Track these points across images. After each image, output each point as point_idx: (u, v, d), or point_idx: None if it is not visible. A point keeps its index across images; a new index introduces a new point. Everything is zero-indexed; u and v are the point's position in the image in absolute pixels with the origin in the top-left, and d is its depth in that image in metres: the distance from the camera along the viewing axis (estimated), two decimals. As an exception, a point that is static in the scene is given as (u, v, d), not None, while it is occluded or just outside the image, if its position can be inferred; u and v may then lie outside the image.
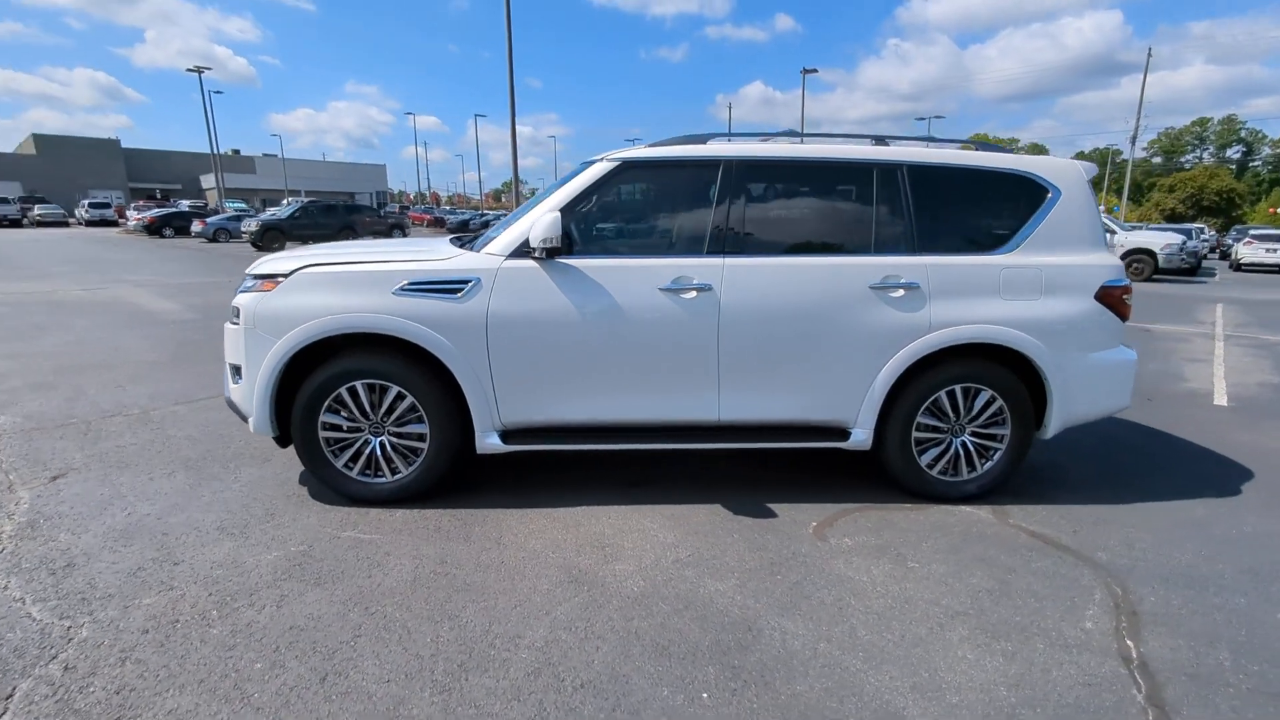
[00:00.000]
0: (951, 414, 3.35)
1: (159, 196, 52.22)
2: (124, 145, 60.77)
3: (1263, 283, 17.86)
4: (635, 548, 2.91)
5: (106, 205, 40.55)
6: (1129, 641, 2.33)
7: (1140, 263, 17.21)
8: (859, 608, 2.50)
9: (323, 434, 3.16)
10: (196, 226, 28.28)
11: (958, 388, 3.29)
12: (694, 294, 3.12)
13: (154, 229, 29.82)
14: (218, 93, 50.60)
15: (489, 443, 3.19)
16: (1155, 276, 17.29)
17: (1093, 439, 4.44)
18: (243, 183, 58.77)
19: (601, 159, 3.30)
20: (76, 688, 1.98)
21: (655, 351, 3.16)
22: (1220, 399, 5.59)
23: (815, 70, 38.21)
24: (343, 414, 3.16)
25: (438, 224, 45.86)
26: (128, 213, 37.18)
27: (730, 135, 3.44)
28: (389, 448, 3.22)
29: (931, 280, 3.20)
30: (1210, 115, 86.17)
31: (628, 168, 3.28)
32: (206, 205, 40.43)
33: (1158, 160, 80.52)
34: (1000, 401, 3.32)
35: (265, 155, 65.97)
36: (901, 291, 3.19)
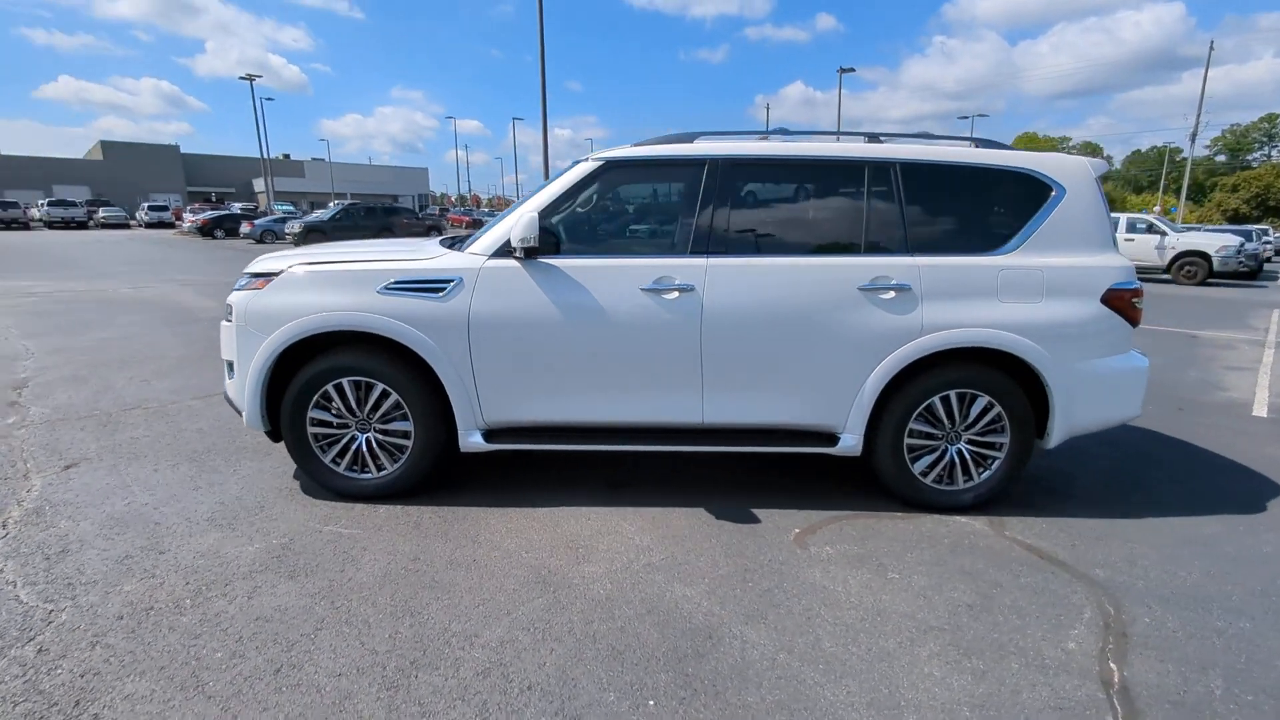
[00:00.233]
0: (947, 420, 3.23)
1: (214, 199, 54.52)
2: (183, 151, 63.80)
3: (1331, 287, 16.81)
4: (609, 550, 2.89)
5: (164, 208, 42.57)
6: (1112, 664, 2.20)
7: (1193, 265, 16.40)
8: (828, 618, 2.42)
9: (311, 429, 3.22)
10: (245, 228, 29.49)
11: (953, 393, 3.17)
12: (676, 294, 3.08)
13: (206, 230, 31.24)
14: (269, 99, 52.62)
15: (472, 441, 3.21)
16: (1211, 280, 16.44)
17: (1106, 449, 4.22)
18: (292, 186, 60.91)
19: (587, 158, 3.29)
20: (45, 669, 2.06)
21: (637, 352, 3.12)
22: (1260, 410, 5.25)
23: (852, 69, 37.45)
24: (330, 410, 3.22)
25: (476, 225, 46.53)
26: (184, 215, 38.90)
27: (719, 134, 3.38)
28: (375, 444, 3.27)
29: (924, 282, 3.09)
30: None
31: (612, 167, 3.26)
32: (257, 208, 41.99)
33: (1222, 158, 76.42)
34: (998, 408, 3.18)
35: (314, 159, 68.15)
36: (892, 293, 3.09)
